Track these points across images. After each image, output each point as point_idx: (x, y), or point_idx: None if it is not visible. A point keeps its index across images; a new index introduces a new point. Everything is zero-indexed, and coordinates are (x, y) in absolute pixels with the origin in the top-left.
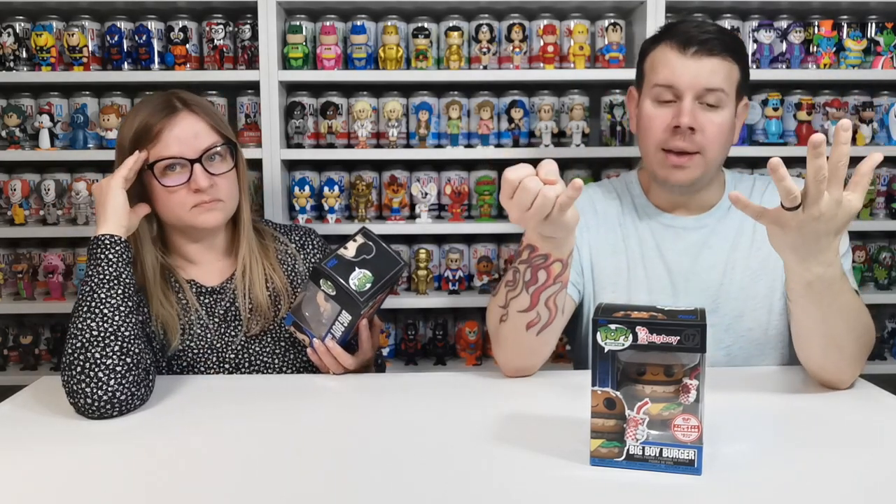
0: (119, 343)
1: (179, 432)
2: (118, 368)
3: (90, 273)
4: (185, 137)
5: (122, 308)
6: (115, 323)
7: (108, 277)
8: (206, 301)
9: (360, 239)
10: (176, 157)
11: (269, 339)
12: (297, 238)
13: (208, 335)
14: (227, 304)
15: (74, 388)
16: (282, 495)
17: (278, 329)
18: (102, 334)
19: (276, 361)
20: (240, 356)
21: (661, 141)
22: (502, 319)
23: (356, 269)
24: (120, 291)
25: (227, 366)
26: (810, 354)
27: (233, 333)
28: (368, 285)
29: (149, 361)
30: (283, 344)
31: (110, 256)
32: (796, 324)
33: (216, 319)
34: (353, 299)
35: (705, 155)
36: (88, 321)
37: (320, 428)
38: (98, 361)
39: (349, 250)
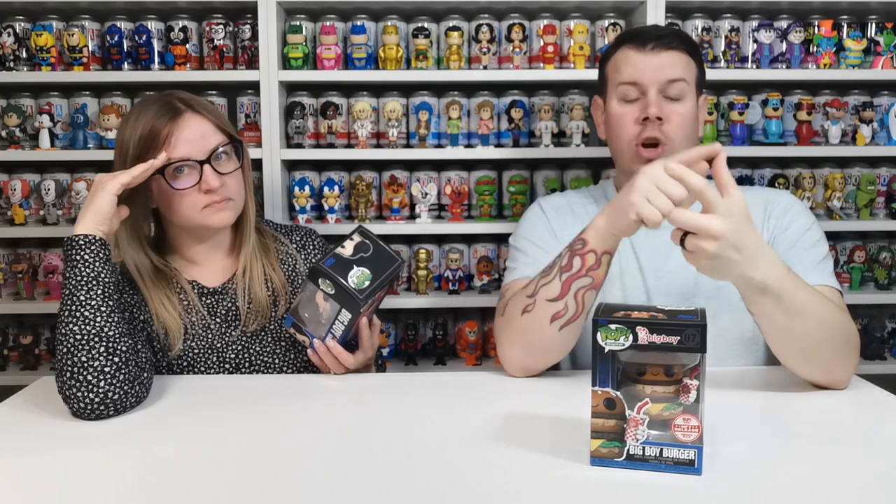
0: (104, 344)
1: (179, 432)
2: (106, 370)
3: (67, 275)
4: (193, 139)
5: (102, 308)
6: (97, 324)
7: (86, 278)
8: (208, 301)
9: (356, 237)
10: (185, 158)
11: (269, 339)
12: (297, 239)
13: (209, 335)
14: (229, 304)
15: (67, 393)
16: (282, 495)
17: (278, 329)
18: (86, 337)
19: (277, 361)
20: (240, 356)
21: (633, 135)
22: (526, 310)
23: (354, 267)
24: (99, 292)
25: (227, 366)
26: (795, 363)
27: (233, 333)
28: (367, 283)
29: (143, 359)
30: (283, 344)
31: (86, 257)
32: (770, 337)
33: (217, 320)
34: (353, 297)
35: (672, 145)
36: (71, 325)
37: (320, 428)
38: (85, 365)
39: (347, 249)
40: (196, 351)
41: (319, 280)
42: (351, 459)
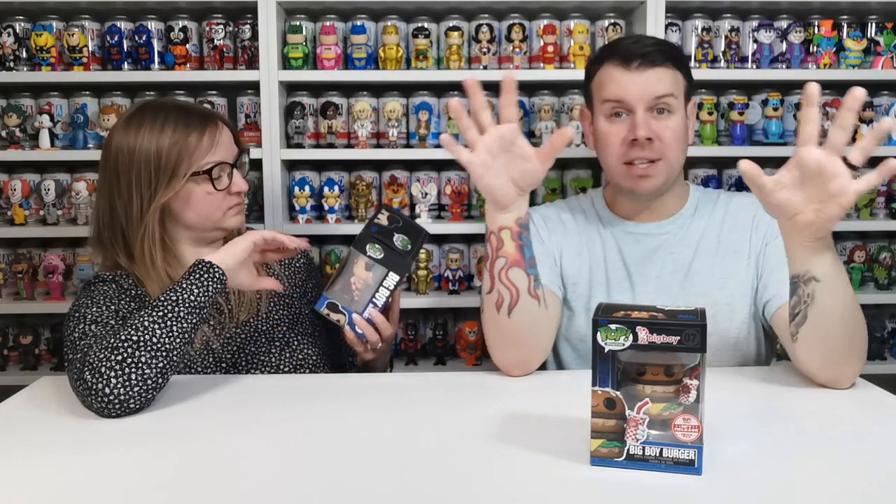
0: (165, 361)
1: (182, 433)
2: (149, 381)
3: (185, 286)
4: (227, 143)
5: (186, 336)
6: (174, 344)
7: (196, 303)
8: None
9: (385, 212)
10: (226, 161)
11: (263, 340)
12: None
13: (204, 338)
14: (220, 307)
15: (103, 370)
16: (282, 494)
17: (271, 329)
18: (158, 345)
19: (273, 360)
20: (236, 356)
21: (622, 154)
22: (482, 310)
23: (395, 234)
24: (195, 321)
25: (223, 364)
26: (810, 350)
27: (228, 335)
28: (409, 247)
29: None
30: (277, 344)
31: (208, 285)
32: (819, 323)
33: (212, 322)
34: (402, 257)
35: (666, 160)
36: (156, 327)
37: (320, 427)
38: (140, 363)
39: (382, 220)
40: (192, 354)
41: (367, 246)
42: (350, 459)
